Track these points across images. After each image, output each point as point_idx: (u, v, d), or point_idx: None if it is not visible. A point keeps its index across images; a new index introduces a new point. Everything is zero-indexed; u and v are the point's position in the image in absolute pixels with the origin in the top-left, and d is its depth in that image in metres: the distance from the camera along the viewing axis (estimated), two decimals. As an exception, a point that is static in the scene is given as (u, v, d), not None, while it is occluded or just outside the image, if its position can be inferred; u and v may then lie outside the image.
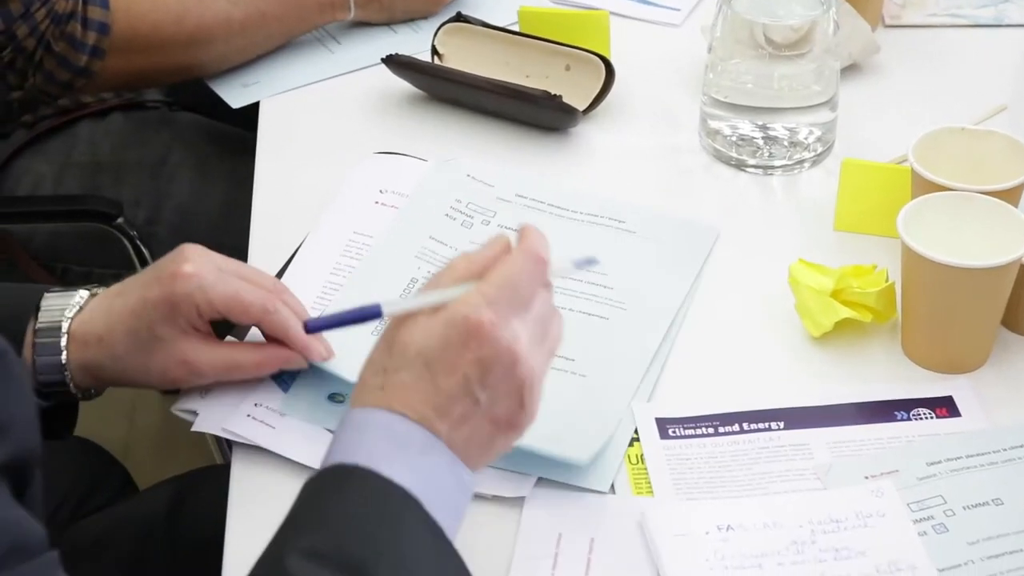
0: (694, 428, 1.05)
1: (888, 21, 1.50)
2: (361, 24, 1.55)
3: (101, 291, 1.06)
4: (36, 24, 1.39)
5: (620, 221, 1.23)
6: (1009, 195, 1.12)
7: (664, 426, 1.05)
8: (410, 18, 1.54)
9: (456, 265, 0.90)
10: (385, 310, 0.92)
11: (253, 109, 1.45)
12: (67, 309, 1.04)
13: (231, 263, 1.07)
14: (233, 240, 1.32)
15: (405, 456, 0.85)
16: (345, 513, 0.84)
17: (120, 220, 1.47)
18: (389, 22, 1.54)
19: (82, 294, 1.05)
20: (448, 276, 0.90)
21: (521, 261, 0.90)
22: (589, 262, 0.95)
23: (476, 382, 0.87)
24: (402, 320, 0.89)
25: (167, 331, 1.02)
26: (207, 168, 1.56)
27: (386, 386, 0.88)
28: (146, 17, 1.44)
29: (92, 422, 1.45)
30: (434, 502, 0.85)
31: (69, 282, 1.54)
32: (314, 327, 1.02)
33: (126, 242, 1.47)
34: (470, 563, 0.85)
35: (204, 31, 1.46)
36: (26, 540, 0.72)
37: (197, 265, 1.04)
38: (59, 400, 1.05)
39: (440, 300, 0.89)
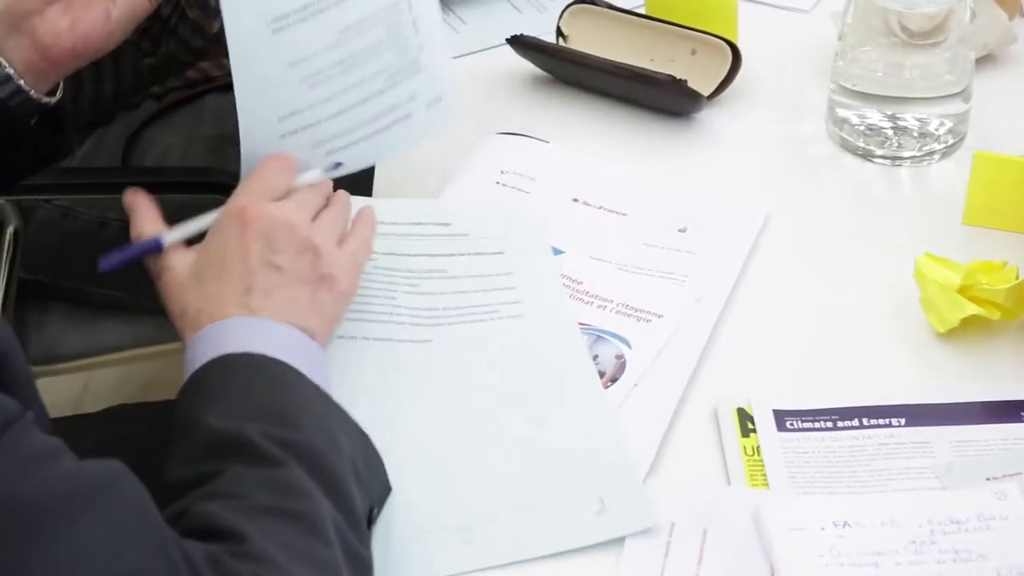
0: (812, 421, 1.03)
1: (1027, 10, 1.46)
2: (486, 3, 1.54)
3: None
4: None
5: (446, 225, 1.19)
6: None
7: (782, 418, 1.03)
8: None
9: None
10: (166, 239, 1.02)
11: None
12: None
13: None
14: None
15: (252, 338, 0.93)
16: (241, 384, 0.91)
17: None
18: None
19: None
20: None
21: (267, 163, 1.03)
22: (336, 166, 1.07)
23: (267, 252, 0.97)
24: (184, 249, 1.01)
25: None
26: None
27: (201, 307, 0.96)
28: None
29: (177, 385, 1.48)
30: (300, 366, 0.93)
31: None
32: (106, 265, 1.03)
33: (249, 215, 1.49)
34: (582, 549, 0.85)
35: None
36: (9, 412, 0.75)
37: None
38: (34, 115, 1.09)
39: (208, 220, 1.01)
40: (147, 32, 1.42)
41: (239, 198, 1.00)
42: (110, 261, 1.03)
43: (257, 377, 0.92)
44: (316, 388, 0.93)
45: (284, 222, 0.99)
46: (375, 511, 0.92)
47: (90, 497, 0.74)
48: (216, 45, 1.44)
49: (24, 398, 0.79)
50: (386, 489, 0.94)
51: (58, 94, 1.12)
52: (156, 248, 1.01)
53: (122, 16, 1.10)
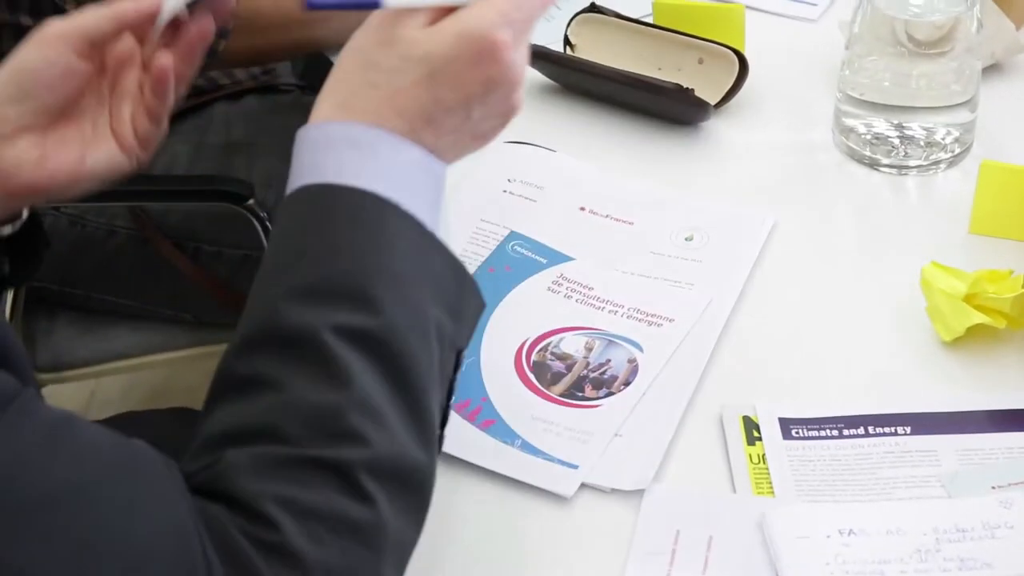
0: (818, 429, 1.03)
1: (1034, 22, 1.46)
2: None
3: None
4: None
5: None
6: None
7: (787, 426, 1.03)
8: None
9: None
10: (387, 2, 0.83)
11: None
12: None
13: None
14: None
15: (378, 165, 0.82)
16: (328, 243, 0.80)
17: (251, 201, 1.49)
18: None
19: None
20: None
21: None
22: None
23: (477, 100, 0.84)
24: (404, 18, 0.83)
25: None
26: (338, 152, 1.58)
27: (375, 92, 0.82)
28: None
29: (196, 391, 1.48)
30: (411, 201, 0.82)
31: (200, 262, 1.57)
32: (312, 4, 0.86)
33: (256, 223, 1.49)
34: (587, 555, 0.84)
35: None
36: (7, 389, 0.72)
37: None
38: None
39: (450, 1, 0.83)
40: None
41: (502, 30, 0.82)
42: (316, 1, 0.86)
43: (352, 229, 0.80)
44: (417, 230, 0.82)
45: (515, 78, 0.84)
46: (462, 355, 0.85)
47: (101, 481, 0.72)
48: (210, 58, 1.45)
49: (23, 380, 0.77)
50: (479, 309, 0.86)
51: (17, 224, 1.03)
52: (373, 5, 0.84)
53: (97, 166, 0.99)
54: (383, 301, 0.79)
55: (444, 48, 0.82)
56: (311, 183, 0.82)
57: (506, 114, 0.87)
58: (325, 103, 0.84)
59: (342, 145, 0.82)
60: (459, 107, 0.84)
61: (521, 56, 0.85)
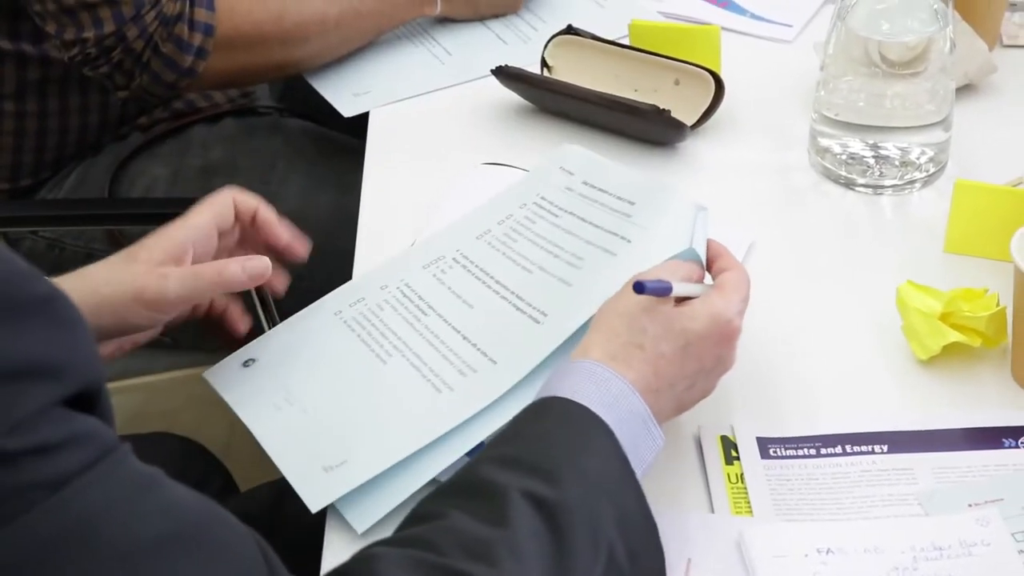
0: (795, 448, 1.04)
1: (1006, 41, 1.48)
2: (471, 35, 1.56)
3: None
4: (145, 26, 1.41)
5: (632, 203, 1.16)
6: None
7: (765, 445, 1.04)
8: (495, 13, 1.58)
9: (676, 267, 1.01)
10: (676, 288, 0.98)
11: (363, 117, 1.47)
12: None
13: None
14: (340, 246, 1.33)
15: (604, 396, 0.93)
16: (539, 430, 0.92)
17: None
18: (474, 17, 1.57)
19: None
20: (676, 272, 1.00)
21: (747, 283, 1.02)
22: None
23: (704, 373, 0.99)
24: (665, 300, 0.98)
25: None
26: (316, 174, 1.57)
27: (634, 357, 0.95)
28: (248, 16, 1.47)
29: (194, 422, 1.48)
30: (624, 440, 0.92)
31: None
32: (641, 287, 0.97)
33: (235, 246, 1.49)
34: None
35: (301, 29, 1.49)
36: (108, 440, 0.76)
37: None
38: None
39: (696, 291, 1.00)
40: (120, 65, 1.43)
41: (739, 320, 0.99)
42: (647, 285, 0.97)
43: (561, 426, 0.92)
44: (620, 460, 0.91)
45: (731, 362, 1.01)
46: None
47: (184, 538, 0.75)
48: (189, 77, 1.45)
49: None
50: (657, 568, 0.92)
51: None
52: (665, 291, 0.97)
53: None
54: (567, 483, 0.88)
55: (699, 326, 0.97)
56: (548, 395, 0.95)
57: (707, 391, 1.01)
58: (596, 349, 0.97)
59: (589, 378, 0.94)
60: (693, 376, 0.98)
61: (734, 354, 1.01)
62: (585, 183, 1.19)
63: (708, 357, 0.98)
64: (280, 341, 1.13)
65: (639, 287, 0.96)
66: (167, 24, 1.42)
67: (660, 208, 1.12)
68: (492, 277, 1.13)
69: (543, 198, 1.19)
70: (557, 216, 1.16)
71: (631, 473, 0.92)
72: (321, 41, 1.51)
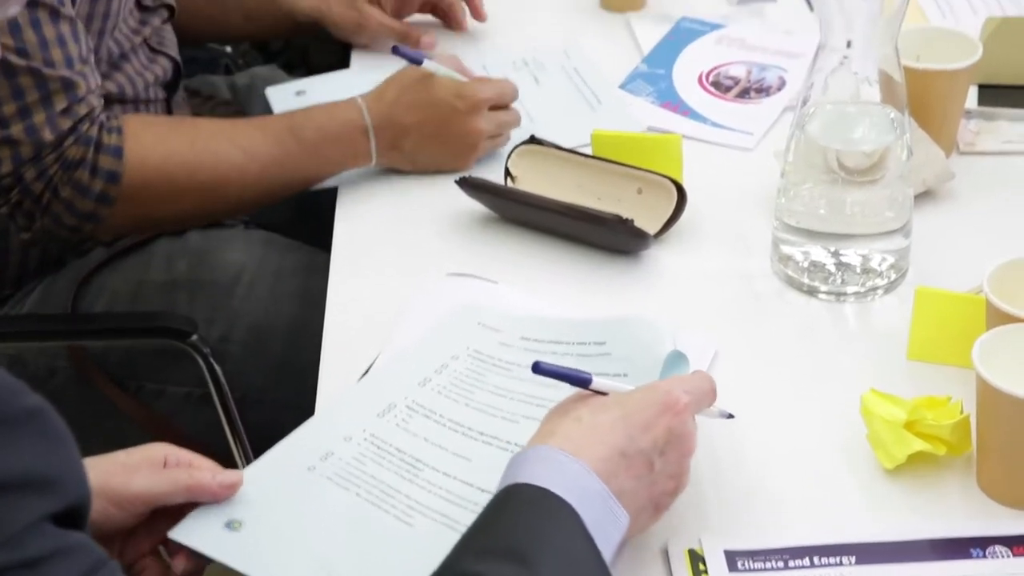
0: (763, 561, 1.03)
1: (963, 148, 1.49)
2: None
3: None
4: (45, 168, 1.40)
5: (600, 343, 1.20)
6: (1087, 327, 1.10)
7: (733, 558, 1.03)
8: (438, 170, 1.50)
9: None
10: (595, 382, 1.04)
11: (328, 228, 1.47)
12: None
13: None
14: (305, 358, 1.32)
15: (563, 479, 0.95)
16: (509, 518, 0.94)
17: (194, 338, 1.48)
18: (414, 171, 1.51)
19: None
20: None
21: (708, 381, 1.05)
22: (728, 416, 1.09)
23: (660, 447, 0.99)
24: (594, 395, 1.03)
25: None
26: (281, 286, 1.57)
27: (573, 431, 0.99)
28: (160, 168, 1.44)
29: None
30: (587, 519, 0.94)
31: (143, 400, 1.55)
32: (539, 369, 1.05)
33: (199, 360, 1.48)
34: None
35: (218, 182, 1.47)
36: (96, 555, 0.77)
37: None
38: None
39: (629, 388, 1.03)
40: (20, 206, 1.43)
41: (682, 393, 1.02)
42: (546, 367, 1.05)
43: (526, 511, 0.95)
44: (584, 536, 0.94)
45: (689, 440, 1.02)
46: None
47: None
48: (91, 222, 1.44)
49: None
50: None
51: None
52: (584, 382, 1.04)
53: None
54: (541, 564, 0.91)
55: (635, 397, 1.02)
56: (510, 483, 0.97)
57: (678, 478, 1.01)
58: (547, 437, 0.99)
59: (544, 462, 0.97)
60: (647, 449, 0.99)
61: (694, 427, 1.02)
62: (525, 338, 1.21)
63: (656, 428, 0.99)
64: (262, 500, 1.07)
65: (535, 366, 1.04)
66: (68, 168, 1.41)
67: (633, 336, 1.15)
68: (471, 428, 1.14)
69: (479, 351, 1.21)
70: (510, 370, 1.18)
71: (596, 550, 0.93)
72: (240, 194, 1.48)
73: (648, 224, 1.37)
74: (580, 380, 1.04)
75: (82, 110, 1.41)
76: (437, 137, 1.49)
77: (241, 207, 1.51)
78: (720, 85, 1.64)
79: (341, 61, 1.77)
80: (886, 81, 1.26)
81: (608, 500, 0.96)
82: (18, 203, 1.43)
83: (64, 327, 1.55)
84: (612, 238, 1.37)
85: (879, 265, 1.30)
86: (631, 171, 1.41)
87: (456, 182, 1.43)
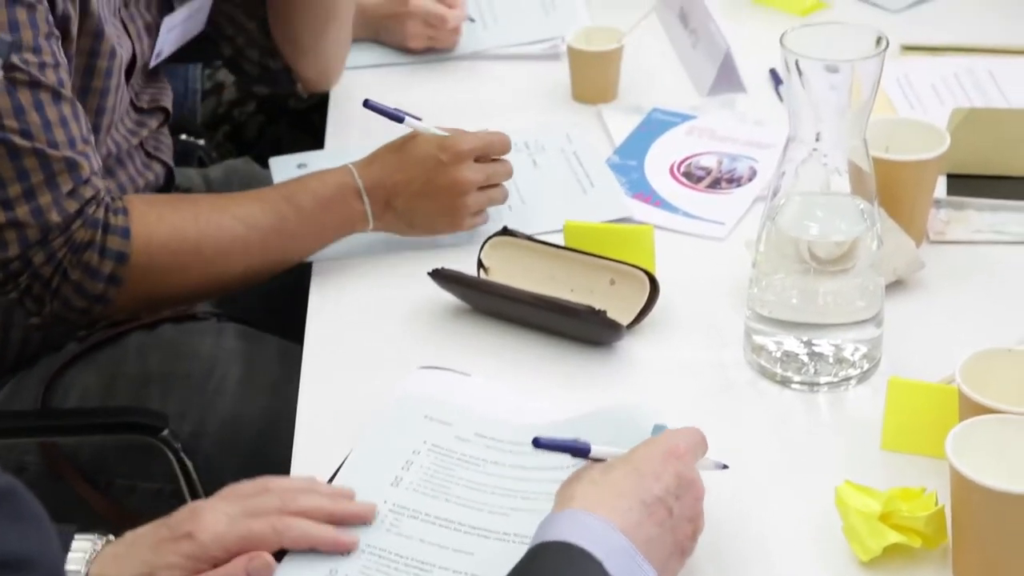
0: (740, 657, 1.02)
1: (933, 237, 1.50)
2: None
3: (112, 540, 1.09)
4: (54, 251, 1.40)
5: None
6: (1059, 417, 1.10)
7: (709, 655, 1.02)
8: (435, 234, 1.52)
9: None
10: (594, 450, 1.13)
11: (300, 320, 1.47)
12: (87, 554, 1.07)
13: (241, 499, 1.10)
14: (278, 453, 1.31)
15: (590, 535, 0.99)
16: (539, 570, 0.98)
17: (165, 433, 1.47)
18: (411, 234, 1.52)
19: (96, 542, 1.08)
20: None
21: (698, 433, 1.11)
22: (723, 466, 1.14)
23: (673, 492, 1.04)
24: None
25: None
26: (253, 380, 1.56)
27: (591, 492, 1.03)
28: (166, 245, 1.45)
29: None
30: (615, 573, 0.97)
31: (113, 496, 1.54)
32: (539, 443, 1.15)
33: (171, 455, 1.47)
34: None
35: (222, 255, 1.47)
36: None
37: (207, 523, 1.07)
38: None
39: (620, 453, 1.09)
40: (29, 291, 1.42)
41: (680, 442, 1.08)
42: (545, 441, 1.15)
43: (560, 564, 0.99)
44: None
45: (698, 484, 1.07)
46: None
47: None
48: (101, 304, 1.44)
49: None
50: None
51: None
52: (583, 452, 1.13)
53: None
54: None
55: (639, 451, 1.07)
56: (538, 543, 1.01)
57: (695, 520, 1.06)
58: (567, 502, 1.03)
59: (570, 522, 1.01)
60: (663, 495, 1.03)
61: (698, 473, 1.07)
62: (481, 435, 1.22)
63: (666, 475, 1.04)
64: None
65: (535, 442, 1.14)
66: (77, 251, 1.41)
67: (611, 421, 1.17)
68: (462, 523, 1.13)
69: (437, 446, 1.21)
70: (478, 465, 1.18)
71: None
72: (244, 266, 1.48)
73: (621, 315, 1.37)
74: (580, 450, 1.13)
75: (87, 192, 1.41)
76: (425, 193, 1.50)
77: (247, 279, 1.51)
78: (691, 175, 1.65)
79: (315, 147, 1.78)
80: (855, 172, 1.27)
81: (635, 556, 0.99)
82: (27, 287, 1.42)
83: (33, 423, 1.53)
84: (585, 329, 1.37)
85: (852, 355, 1.30)
86: (604, 262, 1.42)
87: (429, 274, 1.43)
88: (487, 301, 1.43)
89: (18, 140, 1.37)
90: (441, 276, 1.43)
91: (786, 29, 1.23)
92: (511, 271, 1.46)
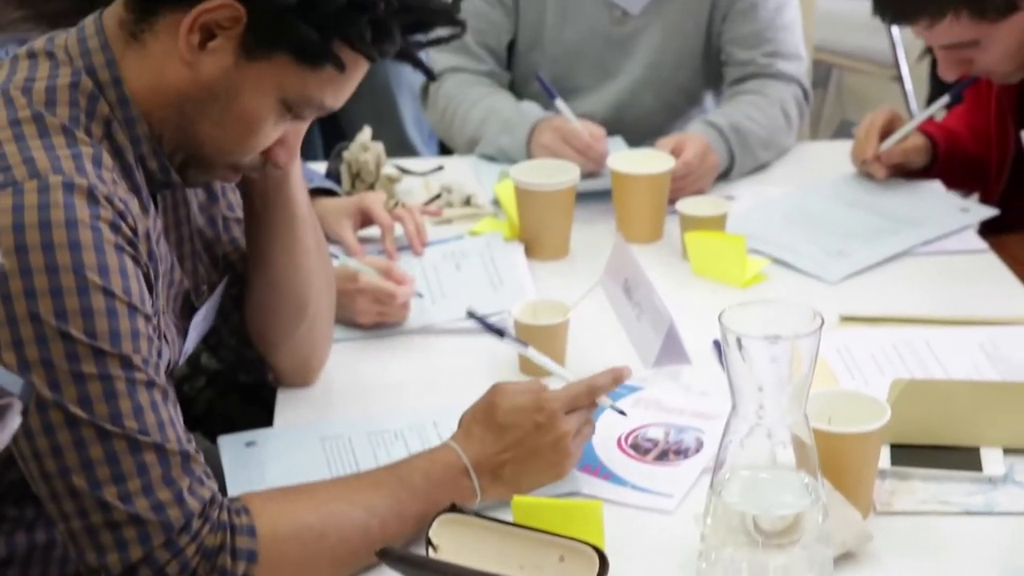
0: None
1: (879, 508, 1.51)
2: None
3: None
4: (187, 560, 1.38)
5: None
6: None
7: None
8: (540, 485, 1.56)
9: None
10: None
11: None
12: None
13: None
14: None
15: None
16: None
17: None
18: (517, 494, 1.52)
19: None
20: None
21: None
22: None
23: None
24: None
25: None
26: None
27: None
28: (291, 539, 1.44)
29: None
30: None
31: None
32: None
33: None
34: None
35: (345, 543, 1.47)
36: None
37: None
38: None
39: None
40: None
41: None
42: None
43: None
44: None
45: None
46: None
47: None
48: None
49: None
50: None
51: None
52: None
53: None
54: None
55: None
56: None
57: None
58: None
59: None
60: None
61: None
62: None
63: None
64: None
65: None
66: (208, 556, 1.39)
67: None
68: None
69: None
70: None
71: None
72: (368, 551, 1.45)
73: (571, 596, 1.36)
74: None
75: (206, 493, 1.40)
76: (530, 458, 1.55)
77: (369, 563, 1.49)
78: (639, 447, 1.66)
79: (266, 422, 1.79)
80: (799, 445, 1.29)
81: None
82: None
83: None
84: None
85: (805, 632, 1.29)
86: (553, 539, 1.41)
87: (376, 554, 1.42)
88: (436, 577, 1.41)
89: (139, 436, 1.37)
90: (389, 556, 1.41)
91: (724, 307, 1.27)
92: (459, 549, 1.44)
